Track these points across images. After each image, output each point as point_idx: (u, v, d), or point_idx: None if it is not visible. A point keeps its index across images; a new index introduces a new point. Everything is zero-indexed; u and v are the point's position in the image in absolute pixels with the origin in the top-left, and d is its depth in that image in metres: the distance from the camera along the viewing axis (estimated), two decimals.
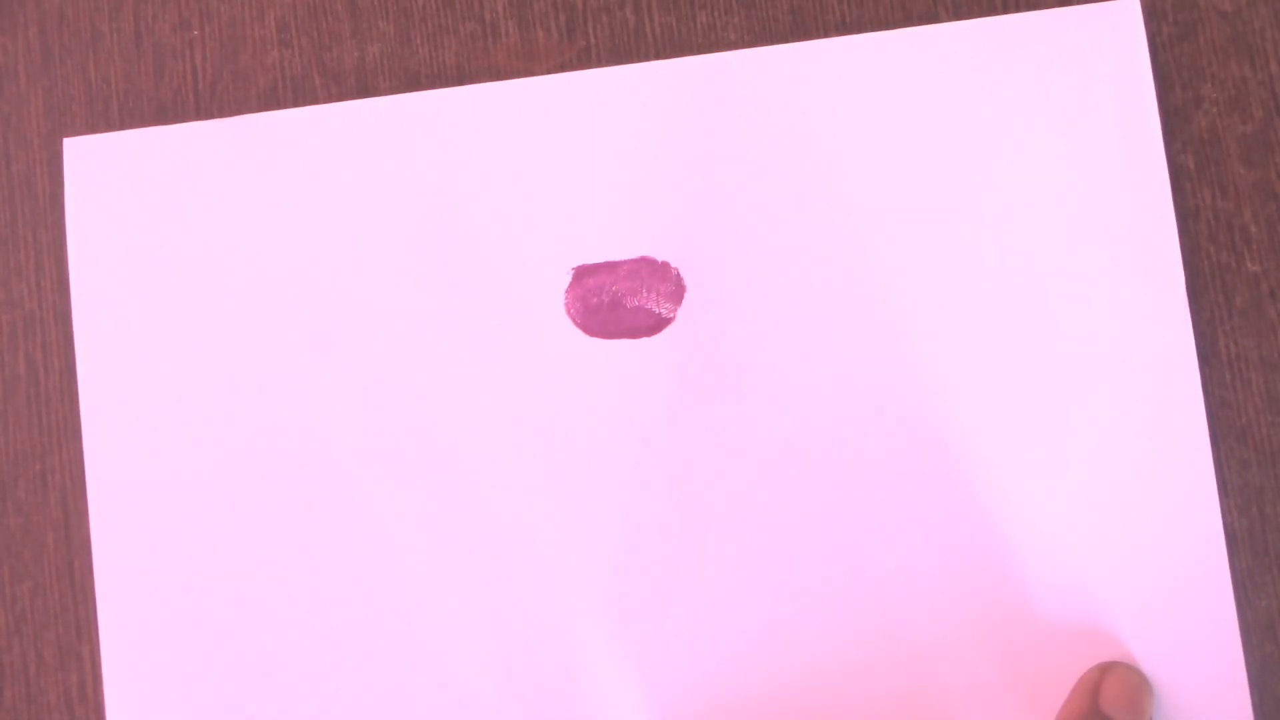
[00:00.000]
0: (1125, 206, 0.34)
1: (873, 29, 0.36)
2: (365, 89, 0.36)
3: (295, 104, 0.37)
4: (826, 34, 0.36)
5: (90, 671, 0.35)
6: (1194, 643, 0.33)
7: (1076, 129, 0.34)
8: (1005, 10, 0.35)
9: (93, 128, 0.37)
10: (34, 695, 0.35)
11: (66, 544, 0.35)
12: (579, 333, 0.35)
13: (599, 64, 0.36)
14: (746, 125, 0.35)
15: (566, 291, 0.35)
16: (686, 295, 0.35)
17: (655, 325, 0.35)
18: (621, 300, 0.35)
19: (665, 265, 0.35)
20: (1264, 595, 0.33)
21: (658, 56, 0.36)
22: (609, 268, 0.35)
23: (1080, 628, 0.33)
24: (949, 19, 0.36)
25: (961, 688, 0.33)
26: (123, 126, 0.37)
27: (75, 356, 0.36)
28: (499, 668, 0.34)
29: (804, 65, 0.35)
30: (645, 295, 0.35)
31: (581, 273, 0.35)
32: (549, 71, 0.36)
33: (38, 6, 0.37)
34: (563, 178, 0.35)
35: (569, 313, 0.35)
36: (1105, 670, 0.32)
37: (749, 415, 0.34)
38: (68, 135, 0.37)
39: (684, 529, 0.34)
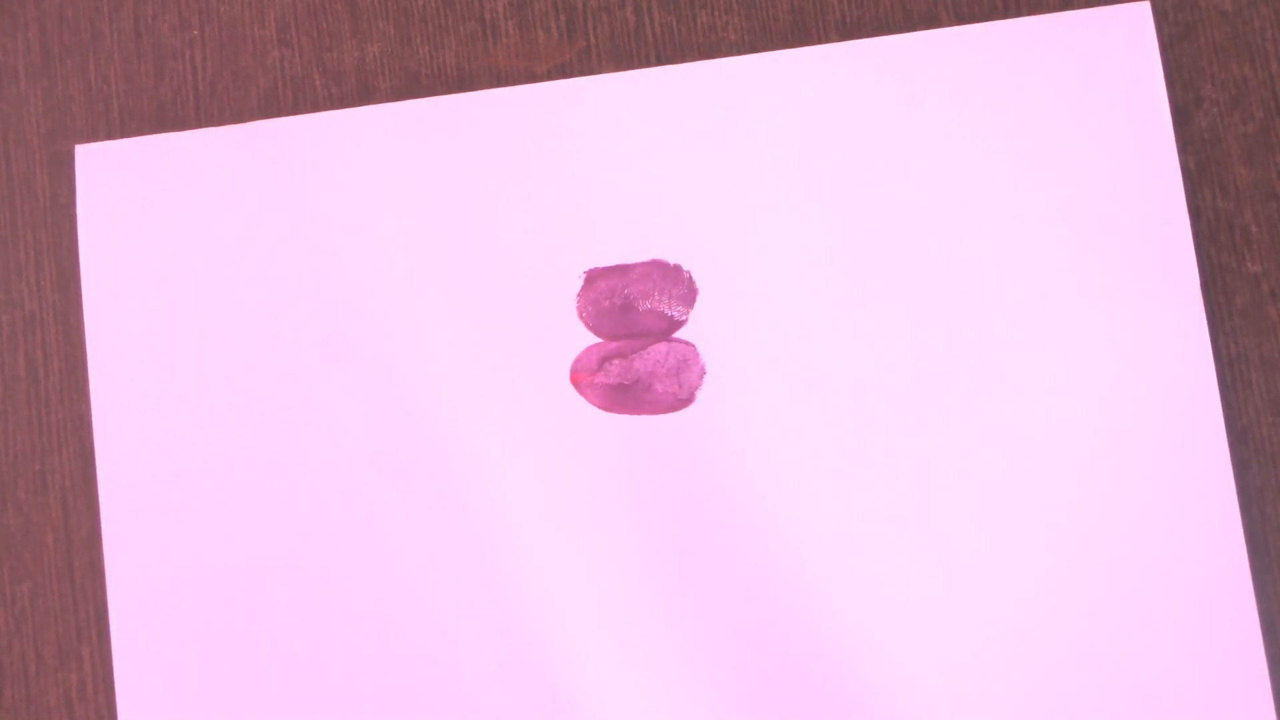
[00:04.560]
0: (1138, 208, 0.34)
1: (873, 29, 0.36)
2: (365, 89, 0.36)
3: (295, 104, 0.37)
4: (827, 34, 0.36)
5: (90, 671, 0.35)
6: (1213, 642, 0.33)
7: (1088, 132, 0.34)
8: (1006, 11, 0.35)
9: (92, 127, 0.37)
10: (34, 695, 0.35)
11: (66, 544, 0.35)
12: (591, 336, 0.35)
13: (599, 64, 0.36)
14: (756, 129, 0.35)
15: (579, 295, 0.35)
16: (699, 298, 0.35)
17: (668, 328, 0.35)
18: (634, 303, 0.35)
19: (677, 268, 0.35)
20: (1265, 595, 0.33)
21: (658, 57, 0.36)
22: (621, 271, 0.35)
23: (1097, 630, 0.33)
24: (949, 20, 0.36)
25: (976, 689, 0.33)
26: (123, 126, 0.37)
27: (75, 357, 0.36)
28: (503, 671, 0.34)
29: (816, 69, 0.35)
30: (657, 298, 0.35)
31: (593, 276, 0.35)
32: (549, 71, 0.36)
33: (38, 6, 0.37)
34: (574, 182, 0.35)
35: (581, 316, 0.35)
36: None
37: (762, 413, 0.34)
38: (67, 135, 0.37)
39: (692, 538, 0.34)
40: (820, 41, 0.36)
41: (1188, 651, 0.33)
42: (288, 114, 0.36)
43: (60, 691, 0.35)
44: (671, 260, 0.35)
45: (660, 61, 0.36)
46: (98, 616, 0.35)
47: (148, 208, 0.36)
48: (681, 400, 0.34)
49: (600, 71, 0.36)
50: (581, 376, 0.34)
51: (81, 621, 0.35)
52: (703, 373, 0.34)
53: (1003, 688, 0.33)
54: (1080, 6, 0.35)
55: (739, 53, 0.36)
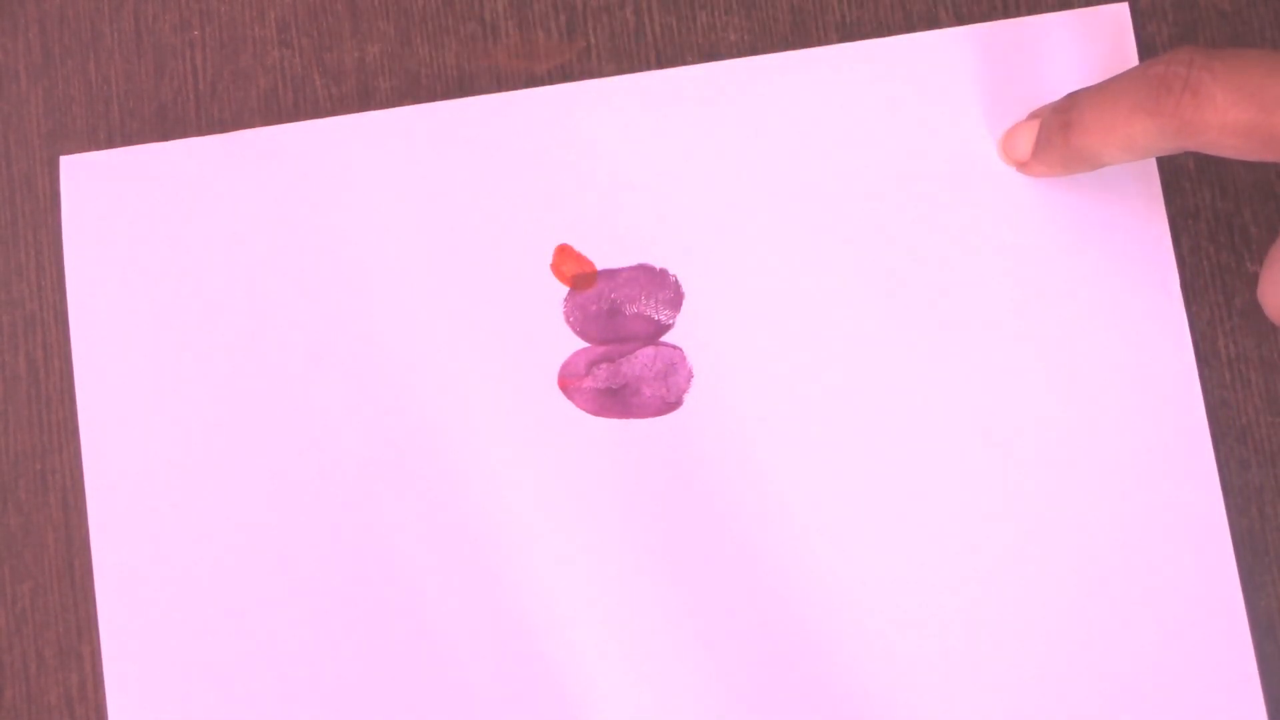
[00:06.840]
0: (1118, 208, 0.34)
1: (873, 30, 0.36)
2: (365, 89, 0.36)
3: (295, 104, 0.37)
4: (826, 35, 0.36)
5: (90, 671, 0.35)
6: (1203, 644, 0.33)
7: None
8: (1007, 10, 0.35)
9: (93, 128, 0.37)
10: (34, 695, 0.35)
11: (66, 544, 0.35)
12: (578, 341, 0.35)
13: (599, 64, 0.36)
14: (744, 132, 0.35)
15: (565, 300, 0.35)
16: (685, 302, 0.35)
17: (655, 332, 0.35)
18: (620, 307, 0.35)
19: (663, 272, 0.35)
20: (1264, 595, 0.33)
21: (658, 57, 0.36)
22: (608, 275, 0.35)
23: (1086, 631, 0.33)
24: (949, 20, 0.36)
25: (962, 688, 0.33)
26: (123, 126, 0.37)
27: (75, 361, 0.36)
28: (494, 674, 0.34)
29: (803, 72, 0.35)
30: (644, 302, 0.35)
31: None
32: (549, 72, 0.36)
33: (38, 6, 0.37)
34: (560, 186, 0.35)
35: (568, 320, 0.35)
36: None
37: (750, 416, 0.34)
38: (67, 135, 0.37)
39: (681, 541, 0.34)
40: (820, 42, 0.36)
41: (1178, 652, 0.33)
42: (288, 114, 0.36)
43: (60, 691, 0.35)
44: (658, 264, 0.35)
45: (660, 62, 0.36)
46: (98, 616, 0.35)
47: (134, 218, 0.36)
48: (669, 404, 0.34)
49: (600, 72, 0.36)
50: (569, 381, 0.34)
51: (82, 621, 0.35)
52: (690, 376, 0.34)
53: (988, 686, 0.33)
54: (1078, 6, 0.35)
55: (739, 53, 0.36)
